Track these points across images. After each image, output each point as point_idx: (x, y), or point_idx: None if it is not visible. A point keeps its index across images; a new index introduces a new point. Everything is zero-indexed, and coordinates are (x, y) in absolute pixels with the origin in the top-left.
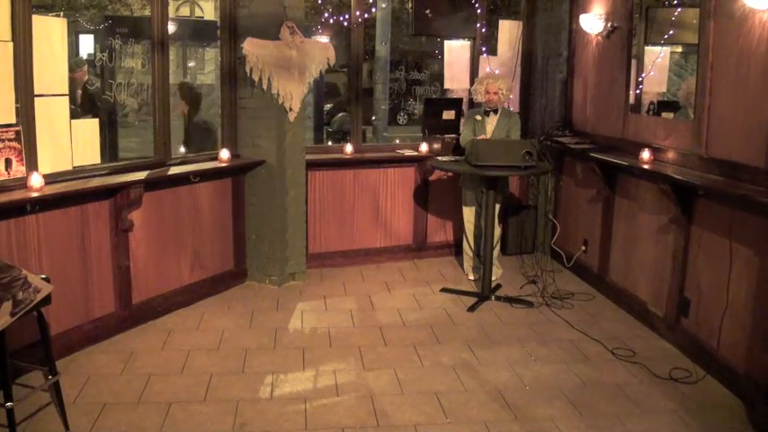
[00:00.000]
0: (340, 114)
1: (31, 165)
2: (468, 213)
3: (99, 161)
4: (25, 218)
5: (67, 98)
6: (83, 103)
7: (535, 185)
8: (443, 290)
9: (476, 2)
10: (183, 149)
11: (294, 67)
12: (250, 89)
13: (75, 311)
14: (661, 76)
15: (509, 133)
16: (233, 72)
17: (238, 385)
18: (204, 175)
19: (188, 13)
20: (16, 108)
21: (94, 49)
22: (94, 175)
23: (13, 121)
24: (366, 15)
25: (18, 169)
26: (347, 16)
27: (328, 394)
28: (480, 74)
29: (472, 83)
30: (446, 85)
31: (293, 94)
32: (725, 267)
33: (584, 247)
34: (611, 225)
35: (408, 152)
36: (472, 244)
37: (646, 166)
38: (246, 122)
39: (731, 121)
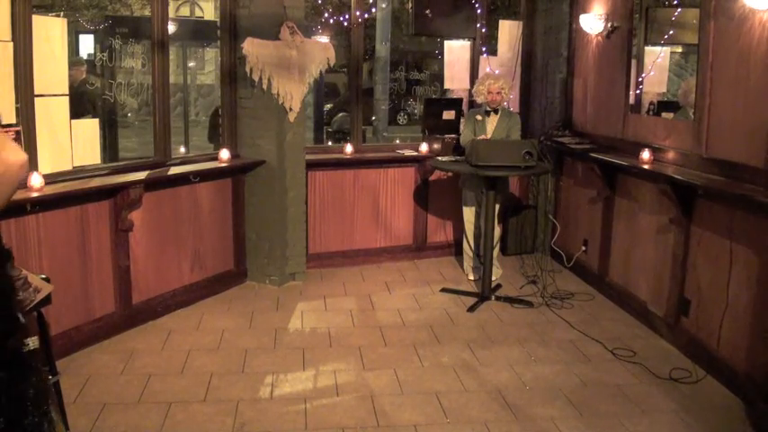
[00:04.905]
0: (340, 114)
1: (31, 165)
2: (468, 213)
3: (99, 161)
4: (25, 218)
5: (68, 98)
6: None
7: (535, 185)
8: (443, 290)
9: (476, 2)
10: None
11: (294, 67)
12: (250, 89)
13: (76, 311)
14: (661, 77)
15: (509, 133)
16: (233, 72)
17: (238, 385)
18: (204, 175)
19: (188, 13)
20: (16, 108)
21: (94, 49)
22: (94, 176)
23: (14, 121)
24: (366, 15)
25: None
26: (347, 16)
27: (328, 394)
28: (480, 74)
29: (472, 83)
30: (446, 85)
31: (293, 94)
32: (725, 267)
33: (584, 247)
34: (611, 225)
35: (408, 152)
36: (472, 244)
37: (646, 167)
38: (246, 122)
39: (731, 121)
